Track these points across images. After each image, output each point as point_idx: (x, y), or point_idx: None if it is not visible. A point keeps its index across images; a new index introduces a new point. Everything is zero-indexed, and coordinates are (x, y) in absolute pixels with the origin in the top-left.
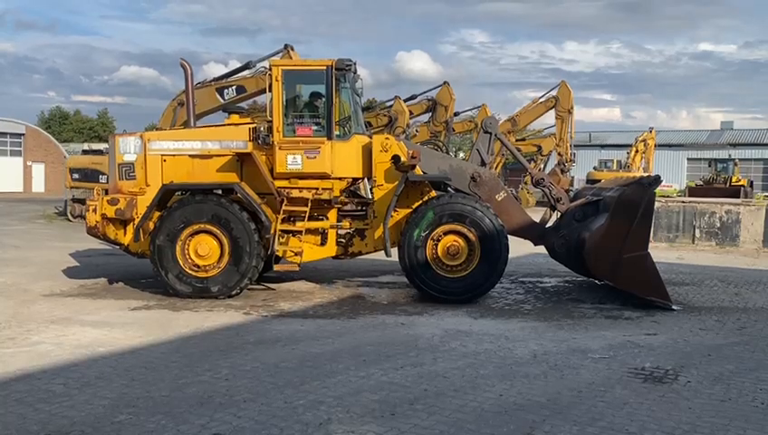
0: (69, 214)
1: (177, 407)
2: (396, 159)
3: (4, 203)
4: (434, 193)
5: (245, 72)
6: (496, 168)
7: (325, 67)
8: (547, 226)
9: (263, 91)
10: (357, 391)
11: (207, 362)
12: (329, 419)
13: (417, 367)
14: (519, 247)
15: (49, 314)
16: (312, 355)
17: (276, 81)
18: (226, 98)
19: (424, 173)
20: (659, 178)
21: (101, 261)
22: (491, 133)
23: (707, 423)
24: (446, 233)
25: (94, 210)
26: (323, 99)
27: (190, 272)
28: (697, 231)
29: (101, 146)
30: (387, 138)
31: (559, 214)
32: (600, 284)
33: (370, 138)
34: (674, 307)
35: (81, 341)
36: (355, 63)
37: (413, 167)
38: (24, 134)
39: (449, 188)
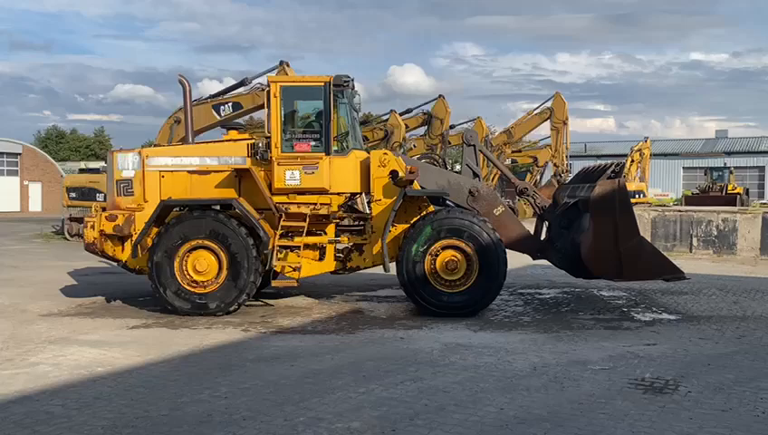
0: (66, 233)
1: (177, 426)
2: (394, 174)
3: (0, 223)
4: (432, 208)
5: (241, 89)
6: (493, 179)
7: (323, 83)
8: (542, 238)
9: (259, 108)
10: (357, 407)
11: (206, 381)
12: None
13: (416, 382)
14: (517, 259)
15: (47, 334)
16: (311, 372)
17: (274, 97)
18: (223, 114)
19: (422, 188)
20: (621, 164)
21: (99, 280)
22: (474, 145)
23: (708, 433)
24: (444, 248)
25: (92, 227)
26: (321, 115)
27: (188, 288)
28: (694, 240)
29: (98, 164)
30: (385, 153)
31: (547, 223)
32: (598, 293)
33: (368, 153)
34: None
35: (79, 361)
36: (353, 79)
37: (411, 182)
38: (20, 153)
39: (448, 203)
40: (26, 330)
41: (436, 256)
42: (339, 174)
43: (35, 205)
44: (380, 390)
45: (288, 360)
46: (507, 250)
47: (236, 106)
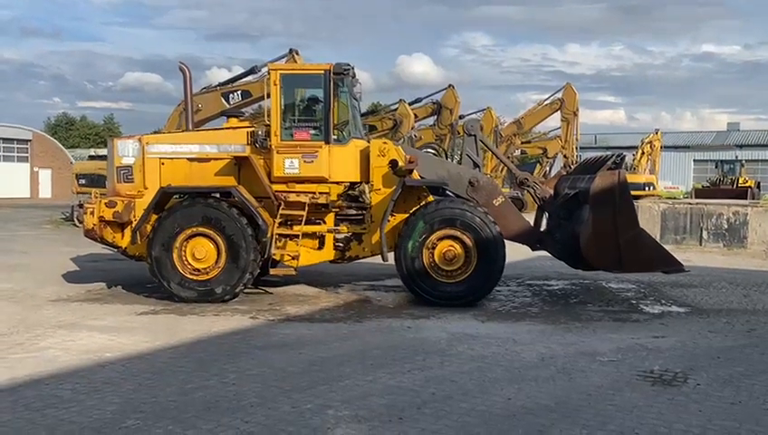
0: (75, 219)
1: (185, 412)
2: (393, 163)
3: (11, 209)
4: (431, 198)
5: (250, 77)
6: (501, 170)
7: (323, 71)
8: (542, 229)
9: (268, 96)
10: (364, 395)
11: (214, 367)
12: (336, 423)
13: (424, 371)
14: (525, 250)
15: (56, 319)
16: (319, 359)
17: (275, 85)
18: (232, 103)
19: (421, 178)
20: (623, 155)
21: (108, 266)
22: (474, 135)
23: (717, 426)
24: (440, 239)
25: (92, 213)
26: (321, 103)
27: (191, 277)
28: (705, 233)
29: None
30: (384, 142)
31: (547, 214)
32: (606, 285)
33: (368, 142)
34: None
35: (88, 346)
36: (353, 68)
37: (410, 171)
38: (30, 140)
39: (448, 193)
40: (36, 315)
41: (433, 248)
42: (338, 163)
43: (45, 191)
44: (388, 378)
45: (296, 347)
46: (507, 241)
47: (245, 94)
